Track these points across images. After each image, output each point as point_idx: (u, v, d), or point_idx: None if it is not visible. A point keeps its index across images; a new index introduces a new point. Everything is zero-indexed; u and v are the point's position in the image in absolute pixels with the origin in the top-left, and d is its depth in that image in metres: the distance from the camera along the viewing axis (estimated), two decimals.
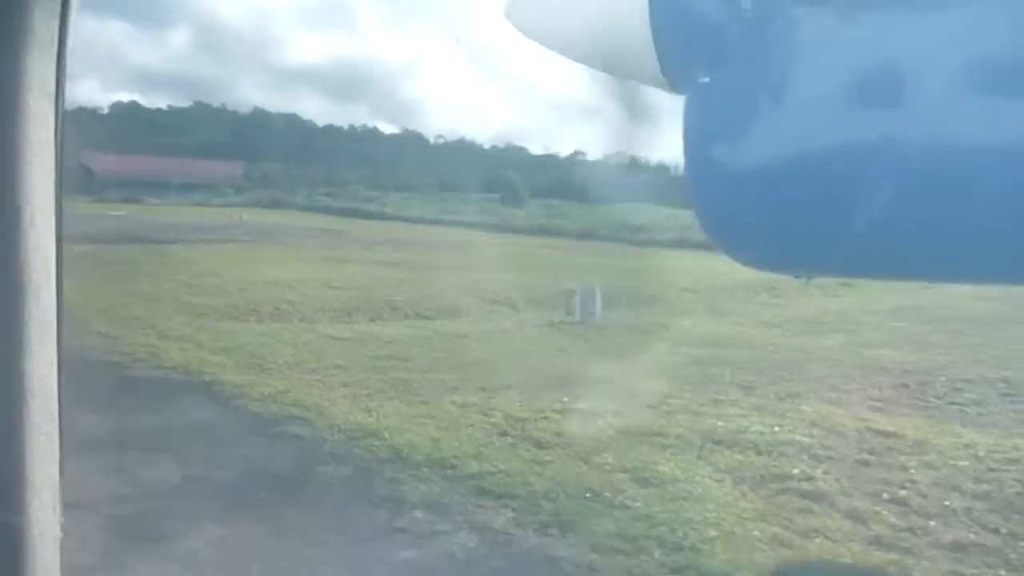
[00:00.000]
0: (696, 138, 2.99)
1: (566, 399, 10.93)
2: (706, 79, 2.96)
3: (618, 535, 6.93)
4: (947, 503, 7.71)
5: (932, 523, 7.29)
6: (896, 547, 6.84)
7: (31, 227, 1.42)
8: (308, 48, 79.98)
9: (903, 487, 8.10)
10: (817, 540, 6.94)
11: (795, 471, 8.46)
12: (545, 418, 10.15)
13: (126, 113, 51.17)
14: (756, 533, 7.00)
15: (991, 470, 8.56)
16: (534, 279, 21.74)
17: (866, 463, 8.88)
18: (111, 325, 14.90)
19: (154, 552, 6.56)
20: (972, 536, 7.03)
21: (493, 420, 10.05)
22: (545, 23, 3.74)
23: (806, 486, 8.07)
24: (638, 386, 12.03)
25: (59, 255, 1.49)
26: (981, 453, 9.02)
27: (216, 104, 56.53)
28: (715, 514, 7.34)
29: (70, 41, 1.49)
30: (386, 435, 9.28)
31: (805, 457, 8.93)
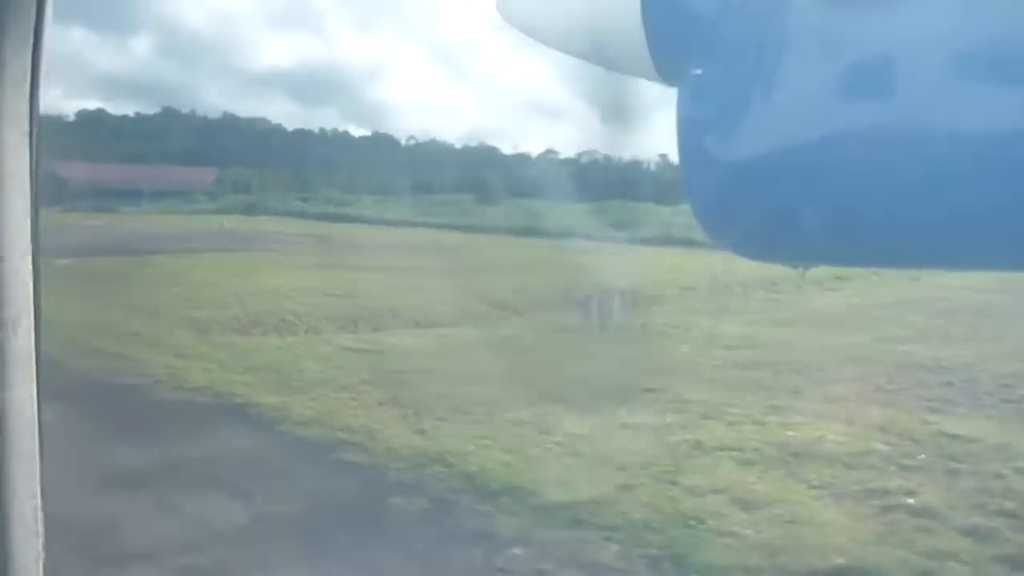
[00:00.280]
0: (689, 130, 2.97)
1: (622, 412, 10.46)
2: (699, 71, 2.95)
3: (740, 568, 6.48)
4: None
5: None
6: None
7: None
8: (276, 52, 78.38)
9: (1007, 497, 7.78)
10: (950, 564, 6.55)
11: (892, 485, 8.10)
12: (610, 435, 9.66)
13: (93, 120, 49.58)
14: (883, 559, 6.59)
15: None
16: (533, 281, 21.37)
17: (956, 472, 8.55)
18: (117, 344, 14.08)
19: None
20: None
21: (556, 439, 9.54)
22: (536, 17, 3.72)
23: (911, 502, 7.70)
24: (687, 395, 11.63)
25: (36, 266, 1.48)
26: None
27: (185, 110, 55.11)
28: (833, 539, 6.92)
29: (46, 40, 1.48)
30: (451, 460, 8.71)
31: (894, 468, 8.58)
